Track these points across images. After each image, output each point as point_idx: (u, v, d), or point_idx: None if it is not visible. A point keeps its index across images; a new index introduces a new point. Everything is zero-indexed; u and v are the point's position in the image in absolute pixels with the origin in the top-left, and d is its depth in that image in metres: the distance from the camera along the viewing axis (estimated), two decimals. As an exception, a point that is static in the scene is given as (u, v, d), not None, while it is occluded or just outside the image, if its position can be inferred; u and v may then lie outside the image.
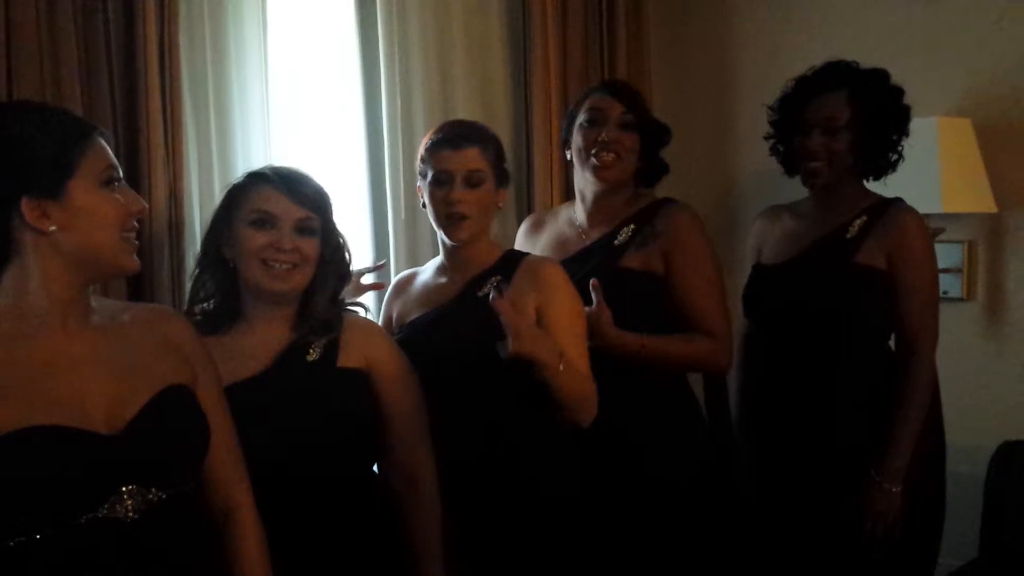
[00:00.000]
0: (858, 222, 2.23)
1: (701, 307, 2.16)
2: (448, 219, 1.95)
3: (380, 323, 2.16)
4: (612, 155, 2.18)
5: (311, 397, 1.71)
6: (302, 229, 1.73)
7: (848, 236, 2.22)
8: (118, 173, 1.42)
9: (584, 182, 2.28)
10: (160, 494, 1.36)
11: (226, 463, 1.54)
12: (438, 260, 2.10)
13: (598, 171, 2.20)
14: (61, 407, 1.32)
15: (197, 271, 1.79)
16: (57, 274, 1.38)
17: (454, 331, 1.95)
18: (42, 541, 1.28)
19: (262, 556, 1.55)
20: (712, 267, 2.20)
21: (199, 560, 1.43)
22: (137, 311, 1.53)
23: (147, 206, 1.45)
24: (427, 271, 2.13)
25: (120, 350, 1.43)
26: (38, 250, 1.36)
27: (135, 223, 1.43)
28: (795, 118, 2.26)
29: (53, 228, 1.36)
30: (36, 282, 1.37)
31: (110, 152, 1.41)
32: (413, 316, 2.04)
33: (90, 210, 1.37)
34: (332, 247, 1.79)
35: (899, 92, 2.24)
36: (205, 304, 1.78)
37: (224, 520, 1.55)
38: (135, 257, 1.43)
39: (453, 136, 1.95)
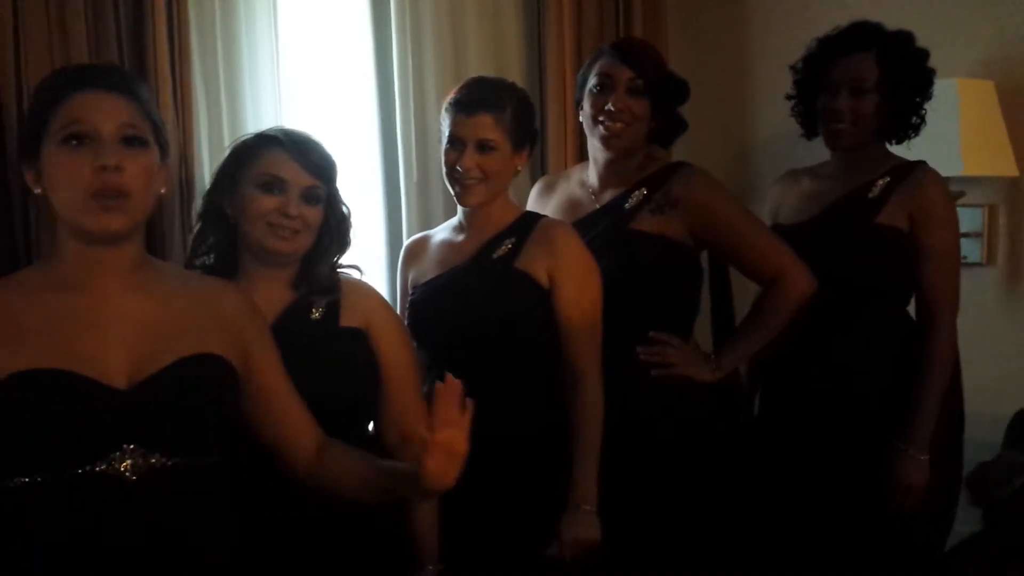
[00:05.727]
0: (881, 182, 2.21)
1: (755, 258, 2.16)
2: (458, 184, 1.99)
3: (398, 289, 2.18)
4: (620, 124, 2.15)
5: (318, 353, 1.73)
6: (308, 197, 1.74)
7: (870, 196, 2.21)
8: (85, 128, 1.34)
9: (594, 148, 2.27)
10: (164, 460, 1.34)
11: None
12: (454, 220, 2.12)
13: (606, 139, 2.18)
14: (80, 357, 1.33)
15: (199, 225, 1.81)
16: (64, 234, 1.39)
17: (467, 293, 1.98)
18: (42, 485, 1.29)
19: None
20: (743, 216, 2.19)
21: (200, 536, 1.38)
22: (200, 281, 1.55)
23: (111, 161, 1.32)
24: (442, 231, 2.15)
25: (161, 313, 1.42)
26: (51, 210, 1.38)
27: (115, 181, 1.33)
28: (820, 78, 2.22)
29: (38, 191, 1.38)
30: (60, 239, 1.40)
31: (93, 107, 1.34)
32: (429, 277, 2.06)
33: (51, 171, 1.36)
34: (337, 217, 1.80)
35: (924, 54, 2.22)
36: (205, 258, 1.79)
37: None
38: (108, 218, 1.34)
39: (468, 101, 1.97)
